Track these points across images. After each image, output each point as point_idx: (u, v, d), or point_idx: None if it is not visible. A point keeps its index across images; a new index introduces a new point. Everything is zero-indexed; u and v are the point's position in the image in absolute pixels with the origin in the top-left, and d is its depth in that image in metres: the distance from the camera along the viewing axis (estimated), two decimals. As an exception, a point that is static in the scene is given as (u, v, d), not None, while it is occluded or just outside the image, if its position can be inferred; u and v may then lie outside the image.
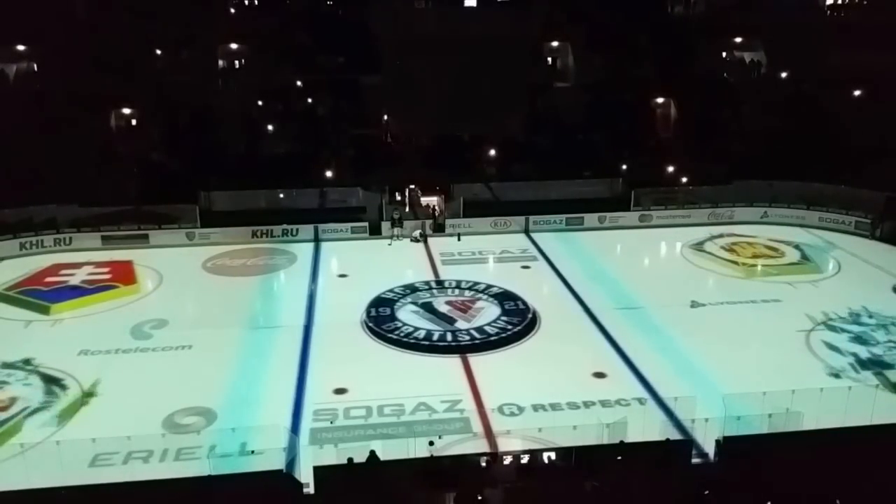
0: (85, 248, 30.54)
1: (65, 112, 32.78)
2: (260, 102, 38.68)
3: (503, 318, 23.92)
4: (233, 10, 43.07)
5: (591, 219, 33.99)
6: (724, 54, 42.46)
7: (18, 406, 18.49)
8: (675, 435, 16.44)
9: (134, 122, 36.86)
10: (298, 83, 39.51)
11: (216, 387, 19.46)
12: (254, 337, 22.87)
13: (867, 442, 15.10)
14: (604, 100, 37.69)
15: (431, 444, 15.01)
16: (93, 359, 21.13)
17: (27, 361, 20.82)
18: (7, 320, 23.96)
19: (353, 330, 23.37)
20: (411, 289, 26.51)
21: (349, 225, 32.87)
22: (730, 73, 41.56)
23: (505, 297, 25.51)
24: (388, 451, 14.76)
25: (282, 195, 34.12)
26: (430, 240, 32.40)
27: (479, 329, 23.16)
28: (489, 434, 17.16)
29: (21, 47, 37.88)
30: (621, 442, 15.09)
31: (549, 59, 43.01)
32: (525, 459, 14.86)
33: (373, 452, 14.45)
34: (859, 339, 22.12)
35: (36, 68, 38.39)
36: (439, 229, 33.25)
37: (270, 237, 32.18)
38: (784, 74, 40.58)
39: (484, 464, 14.85)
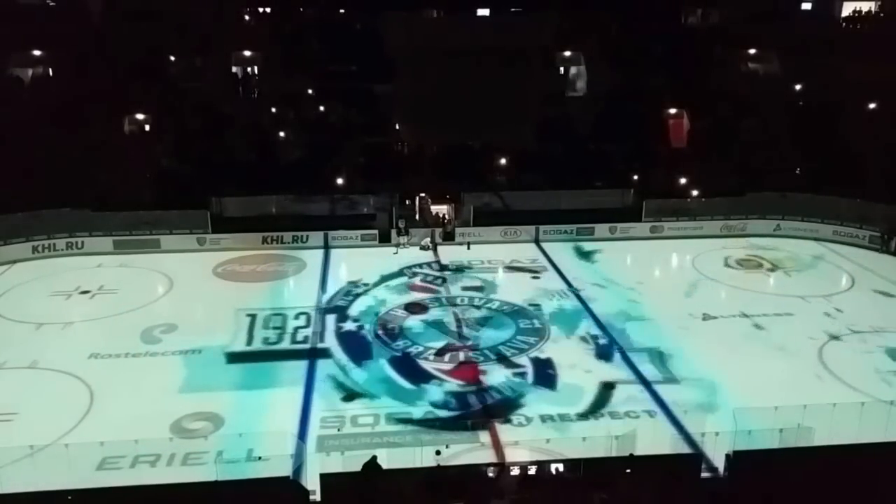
0: (97, 252, 30.72)
1: (78, 116, 33.05)
2: (272, 109, 38.87)
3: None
4: (247, 18, 43.44)
5: (601, 229, 33.80)
6: (738, 65, 42.28)
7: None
8: (685, 448, 16.27)
9: (147, 127, 37.11)
10: (310, 91, 39.69)
11: (224, 392, 19.48)
12: (262, 343, 22.82)
13: (881, 458, 14.83)
14: (616, 110, 37.57)
15: (438, 453, 14.87)
16: (103, 362, 21.22)
17: (35, 364, 20.92)
18: (17, 322, 24.11)
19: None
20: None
21: (359, 232, 32.86)
22: (744, 85, 41.32)
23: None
24: (395, 459, 14.67)
25: (289, 202, 34.12)
26: (439, 248, 32.32)
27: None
28: (497, 444, 17.06)
29: (37, 52, 38.28)
30: (631, 455, 14.93)
31: (562, 68, 42.99)
32: (532, 471, 14.72)
33: (374, 458, 14.33)
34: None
35: (51, 73, 38.78)
36: (449, 237, 33.21)
37: (280, 244, 32.22)
38: (799, 86, 40.36)
39: (491, 474, 14.73)
